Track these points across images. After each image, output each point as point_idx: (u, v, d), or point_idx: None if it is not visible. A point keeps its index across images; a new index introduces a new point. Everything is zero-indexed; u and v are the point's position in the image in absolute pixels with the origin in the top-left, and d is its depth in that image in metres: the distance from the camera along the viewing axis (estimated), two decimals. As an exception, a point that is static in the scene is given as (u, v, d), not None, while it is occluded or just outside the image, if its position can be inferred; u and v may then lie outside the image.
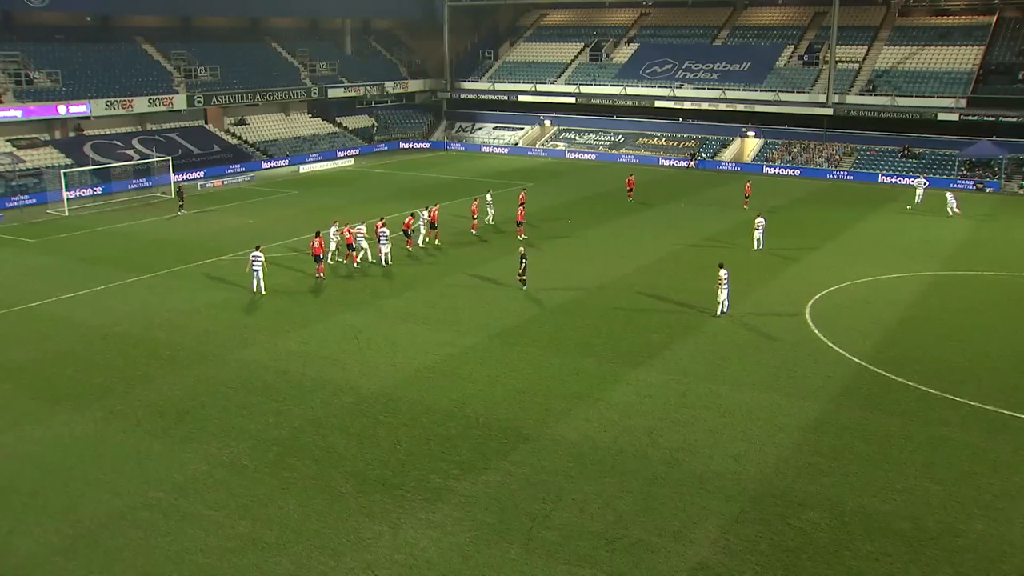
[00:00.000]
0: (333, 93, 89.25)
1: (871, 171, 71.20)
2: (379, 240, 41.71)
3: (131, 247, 46.96)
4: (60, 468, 22.58)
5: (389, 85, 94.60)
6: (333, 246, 42.69)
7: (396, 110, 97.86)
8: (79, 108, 68.48)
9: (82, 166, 65.85)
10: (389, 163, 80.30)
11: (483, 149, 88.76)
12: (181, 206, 57.68)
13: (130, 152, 70.68)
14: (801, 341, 31.17)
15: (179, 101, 75.30)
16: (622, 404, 25.83)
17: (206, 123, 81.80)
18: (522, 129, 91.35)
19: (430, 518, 19.97)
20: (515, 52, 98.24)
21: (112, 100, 70.51)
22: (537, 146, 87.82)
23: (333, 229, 43.07)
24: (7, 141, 68.01)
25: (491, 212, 51.64)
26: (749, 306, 35.12)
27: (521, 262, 37.15)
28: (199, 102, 77.28)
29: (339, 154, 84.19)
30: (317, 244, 39.78)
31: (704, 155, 79.70)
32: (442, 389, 26.93)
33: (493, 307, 35.06)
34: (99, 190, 64.76)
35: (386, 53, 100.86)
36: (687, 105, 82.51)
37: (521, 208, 48.81)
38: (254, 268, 37.03)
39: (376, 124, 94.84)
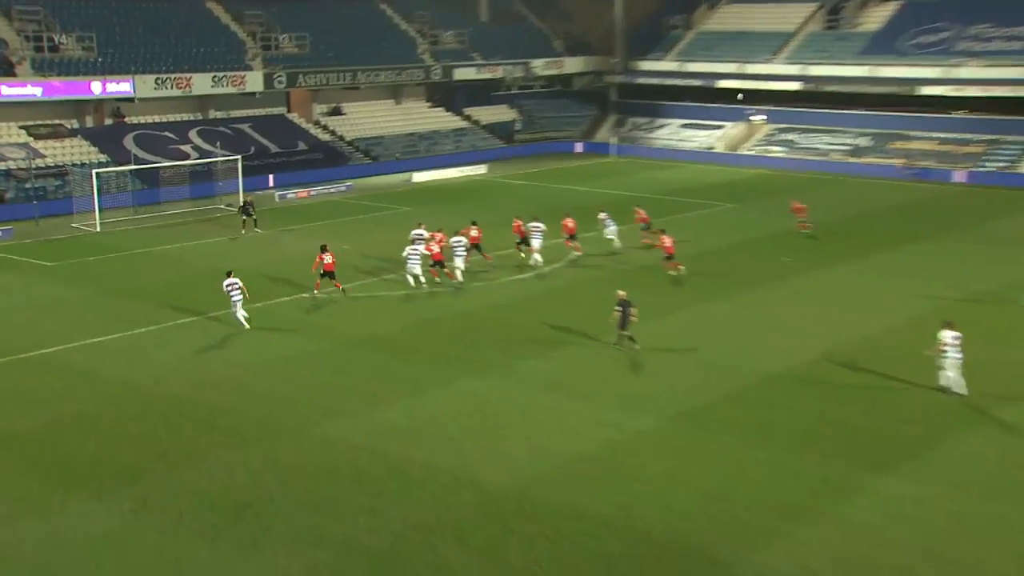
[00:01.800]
0: (461, 74, 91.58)
1: None
2: (454, 253, 46.49)
3: (182, 277, 48.02)
4: (72, 578, 23.42)
5: (538, 64, 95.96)
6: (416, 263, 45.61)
7: (547, 99, 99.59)
8: (119, 86, 71.16)
9: (121, 165, 67.50)
10: (535, 172, 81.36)
11: (665, 155, 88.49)
12: (245, 222, 58.56)
13: (186, 148, 73.03)
14: None
15: (254, 80, 78.14)
16: (861, 525, 24.98)
17: (289, 111, 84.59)
18: (721, 128, 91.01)
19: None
20: (715, 19, 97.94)
21: (164, 77, 73.45)
22: (743, 151, 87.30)
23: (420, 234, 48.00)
24: (21, 128, 70.22)
25: (612, 230, 52.75)
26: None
27: (620, 311, 37.26)
28: (280, 83, 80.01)
29: (467, 158, 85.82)
30: (329, 259, 43.95)
31: (999, 164, 77.54)
32: (600, 489, 26.70)
33: (674, 376, 34.87)
34: (143, 198, 66.17)
35: (535, 20, 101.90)
36: (972, 91, 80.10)
37: (668, 242, 47.82)
38: (232, 299, 39.71)
39: (519, 118, 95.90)
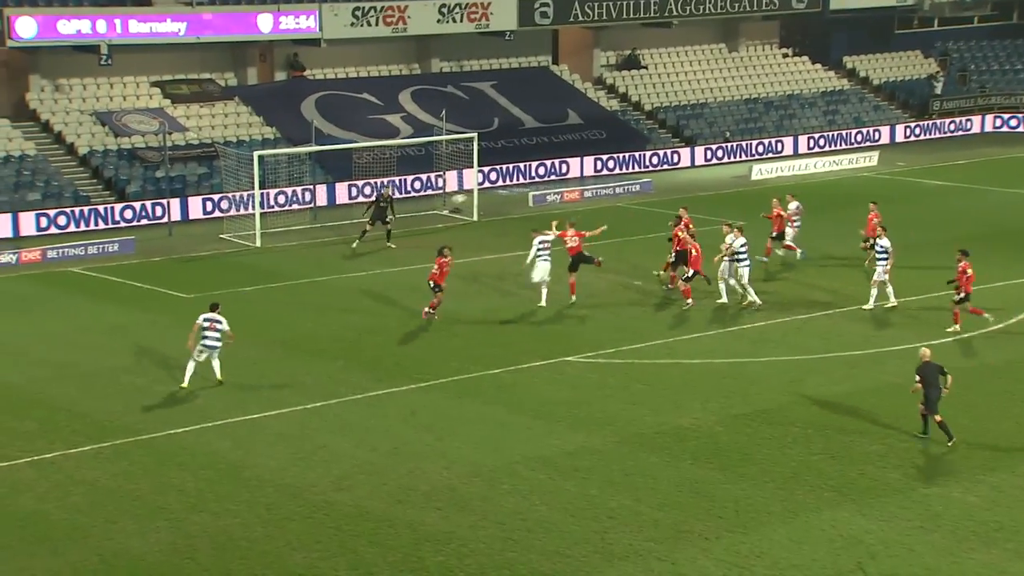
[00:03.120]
0: (839, 1, 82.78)
1: None
2: (739, 263, 47.73)
3: (381, 323, 46.19)
4: None
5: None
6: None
7: (995, 40, 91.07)
8: (299, 21, 66.95)
9: (297, 143, 64.39)
10: (966, 165, 75.61)
11: None
12: (367, 230, 55.29)
13: (394, 119, 69.71)
14: None
15: (503, 13, 72.76)
16: None
17: (556, 63, 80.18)
18: None
19: None
20: None
21: (365, 7, 67.88)
22: None
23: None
24: (154, 86, 66.76)
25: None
26: None
27: (920, 382, 34.16)
28: (545, 16, 74.22)
29: (845, 139, 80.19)
30: (436, 268, 44.97)
31: None
32: None
33: None
34: (327, 196, 63.96)
35: None
36: None
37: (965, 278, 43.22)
38: (204, 342, 38.46)
39: (943, 73, 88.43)
